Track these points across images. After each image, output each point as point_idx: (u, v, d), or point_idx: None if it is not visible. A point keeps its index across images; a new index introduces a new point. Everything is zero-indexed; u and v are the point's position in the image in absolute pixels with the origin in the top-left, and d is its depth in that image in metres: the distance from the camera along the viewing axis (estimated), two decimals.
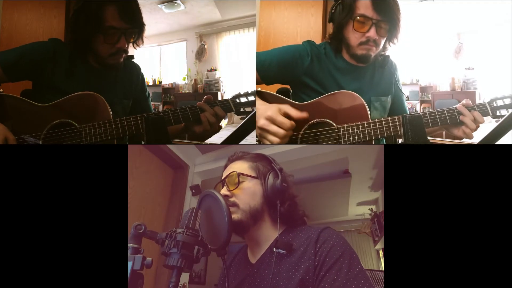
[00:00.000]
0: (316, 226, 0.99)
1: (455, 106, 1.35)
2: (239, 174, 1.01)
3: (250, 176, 1.03)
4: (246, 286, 0.99)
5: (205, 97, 1.41)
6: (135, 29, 1.41)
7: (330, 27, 1.52)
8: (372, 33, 1.36)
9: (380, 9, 1.34)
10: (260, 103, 1.40)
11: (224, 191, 1.01)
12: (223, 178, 1.06)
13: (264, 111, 1.34)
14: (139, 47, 1.50)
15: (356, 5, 1.36)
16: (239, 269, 1.07)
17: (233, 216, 0.97)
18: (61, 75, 1.42)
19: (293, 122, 1.34)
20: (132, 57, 1.53)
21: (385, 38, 1.40)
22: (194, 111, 1.38)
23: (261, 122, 1.34)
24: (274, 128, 1.32)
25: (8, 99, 1.38)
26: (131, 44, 1.46)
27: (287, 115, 1.34)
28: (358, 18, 1.35)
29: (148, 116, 1.35)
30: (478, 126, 1.33)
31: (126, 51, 1.44)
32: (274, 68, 1.47)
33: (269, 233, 1.01)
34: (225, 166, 1.10)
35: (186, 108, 1.38)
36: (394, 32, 1.40)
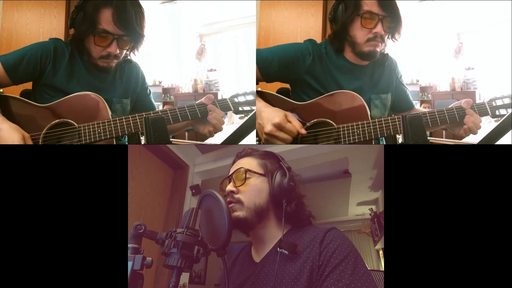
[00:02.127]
0: (322, 226, 0.98)
1: (460, 103, 1.38)
2: (246, 171, 1.01)
3: (258, 173, 1.02)
4: (249, 285, 0.98)
5: (206, 95, 1.42)
6: (129, 37, 1.40)
7: (330, 27, 1.52)
8: (379, 28, 1.40)
9: (385, 5, 1.39)
10: (262, 105, 1.40)
11: (230, 186, 1.01)
12: (230, 174, 1.05)
13: (271, 116, 1.37)
14: (134, 55, 1.50)
15: (362, 2, 1.40)
16: (242, 268, 1.06)
17: (237, 213, 0.97)
18: (61, 75, 1.43)
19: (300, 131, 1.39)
20: (130, 60, 1.54)
21: (388, 34, 1.44)
22: (202, 108, 1.41)
23: (268, 128, 1.36)
24: (283, 135, 1.38)
25: (8, 100, 1.38)
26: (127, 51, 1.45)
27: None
28: (365, 15, 1.39)
29: (147, 116, 1.35)
30: (480, 127, 1.37)
31: (117, 57, 1.43)
32: (275, 65, 1.47)
33: (274, 232, 1.01)
34: (233, 162, 1.09)
35: (194, 106, 1.40)
36: (397, 27, 1.43)
